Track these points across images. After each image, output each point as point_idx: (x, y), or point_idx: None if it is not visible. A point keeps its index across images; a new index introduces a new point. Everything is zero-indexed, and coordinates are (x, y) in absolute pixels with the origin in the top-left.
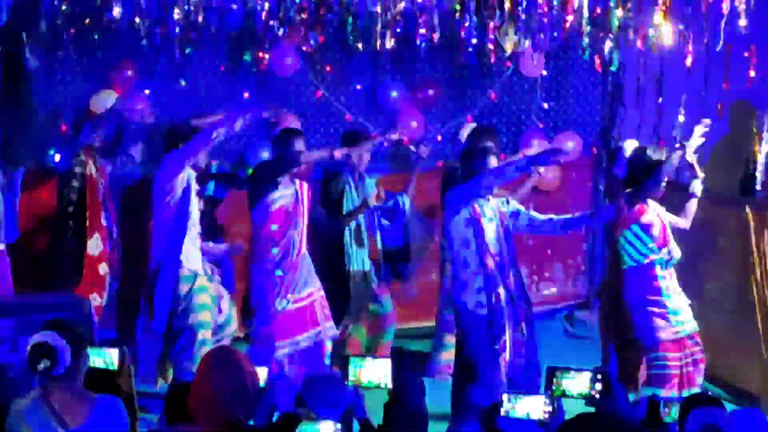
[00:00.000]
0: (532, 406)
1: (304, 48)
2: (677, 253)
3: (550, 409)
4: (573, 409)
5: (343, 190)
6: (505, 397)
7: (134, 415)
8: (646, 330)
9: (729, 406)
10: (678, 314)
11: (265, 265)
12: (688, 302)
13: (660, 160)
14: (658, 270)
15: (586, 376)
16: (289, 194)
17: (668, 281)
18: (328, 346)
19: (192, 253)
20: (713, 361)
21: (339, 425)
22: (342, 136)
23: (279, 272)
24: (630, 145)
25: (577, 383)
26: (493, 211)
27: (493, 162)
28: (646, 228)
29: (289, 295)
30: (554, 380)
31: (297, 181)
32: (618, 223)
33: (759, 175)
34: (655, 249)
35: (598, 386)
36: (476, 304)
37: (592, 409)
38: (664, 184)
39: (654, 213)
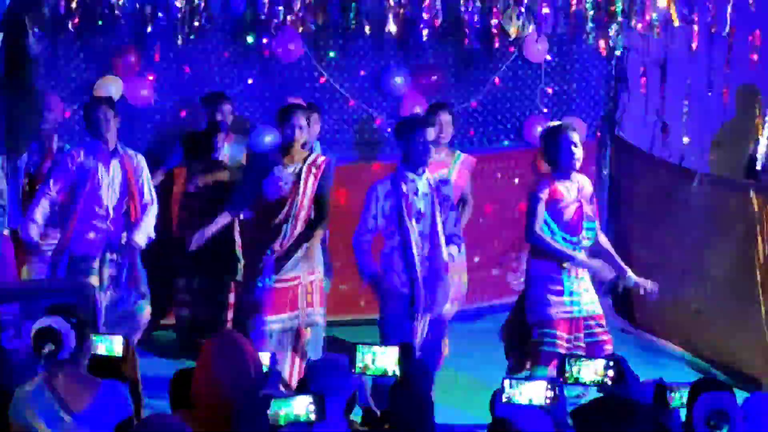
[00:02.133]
0: (535, 392)
1: (307, 33)
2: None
3: (552, 394)
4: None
5: None
6: (506, 383)
7: (139, 401)
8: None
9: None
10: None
11: (257, 247)
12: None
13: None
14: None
15: (600, 363)
16: (287, 174)
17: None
18: (307, 332)
19: None
20: (717, 345)
21: (311, 400)
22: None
23: (268, 251)
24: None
25: (591, 370)
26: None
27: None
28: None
29: (274, 275)
30: (567, 367)
31: (311, 157)
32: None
33: (763, 158)
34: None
35: (611, 373)
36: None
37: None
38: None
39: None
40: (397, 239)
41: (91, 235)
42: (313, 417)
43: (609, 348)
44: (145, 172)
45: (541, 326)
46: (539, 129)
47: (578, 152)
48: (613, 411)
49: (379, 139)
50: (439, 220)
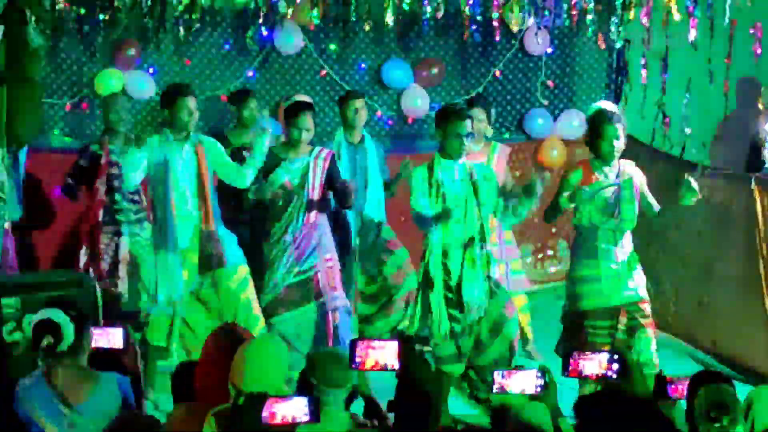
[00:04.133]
0: (525, 381)
1: (308, 26)
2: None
3: (542, 382)
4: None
5: None
6: (497, 374)
7: (140, 393)
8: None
9: (736, 384)
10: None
11: (271, 240)
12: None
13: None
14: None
15: (603, 357)
16: (294, 169)
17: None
18: (335, 316)
19: None
20: (720, 339)
21: (307, 401)
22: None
23: (283, 245)
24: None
25: (594, 364)
26: None
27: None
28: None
29: (293, 268)
30: (571, 361)
31: (316, 151)
32: None
33: (766, 151)
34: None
35: (615, 367)
36: None
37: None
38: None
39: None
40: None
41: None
42: (306, 419)
43: (651, 333)
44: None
45: (582, 317)
46: (594, 107)
47: (620, 144)
48: (613, 404)
49: (380, 132)
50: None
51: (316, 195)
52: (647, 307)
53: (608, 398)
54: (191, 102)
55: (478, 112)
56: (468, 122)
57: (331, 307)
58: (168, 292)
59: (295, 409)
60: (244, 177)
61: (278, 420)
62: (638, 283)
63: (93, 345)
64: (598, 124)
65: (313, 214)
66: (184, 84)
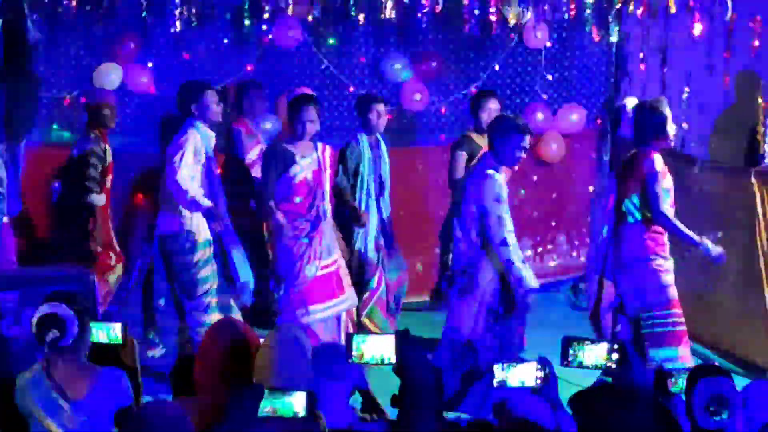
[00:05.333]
0: (526, 374)
1: (307, 20)
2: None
3: (542, 374)
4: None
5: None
6: (497, 367)
7: (138, 388)
8: (655, 287)
9: (735, 378)
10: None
11: (292, 234)
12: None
13: (665, 113)
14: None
15: (603, 346)
16: (307, 164)
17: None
18: (344, 316)
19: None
20: (720, 333)
21: (305, 395)
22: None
23: (305, 239)
24: (631, 103)
25: (594, 354)
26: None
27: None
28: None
29: (317, 261)
30: (570, 351)
31: (320, 146)
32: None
33: (765, 145)
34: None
35: (615, 356)
36: None
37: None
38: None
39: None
40: None
41: None
42: (301, 414)
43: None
44: None
45: (661, 307)
46: (632, 104)
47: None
48: (611, 397)
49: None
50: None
51: (328, 189)
52: None
53: (605, 392)
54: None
55: (494, 102)
56: (529, 136)
57: (350, 305)
58: None
59: (294, 403)
60: None
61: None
62: None
63: (92, 340)
64: (662, 115)
65: (330, 209)
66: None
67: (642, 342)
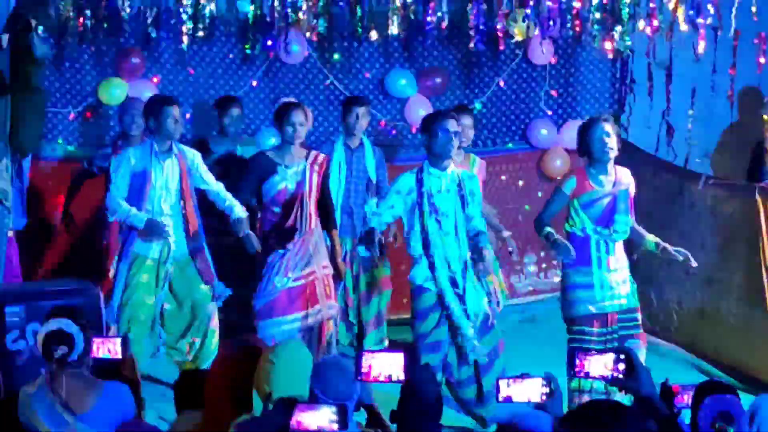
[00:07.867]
0: (531, 389)
1: (312, 36)
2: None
3: (547, 390)
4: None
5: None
6: (502, 383)
7: (140, 403)
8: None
9: (739, 393)
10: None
11: (270, 245)
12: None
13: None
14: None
15: (609, 357)
16: (290, 174)
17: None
18: (329, 325)
19: None
20: (723, 348)
21: (335, 410)
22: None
23: (281, 250)
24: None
25: (600, 364)
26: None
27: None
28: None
29: (290, 273)
30: (577, 362)
31: (312, 155)
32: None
33: None
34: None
35: (621, 367)
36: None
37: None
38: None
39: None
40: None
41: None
42: (336, 427)
43: (641, 344)
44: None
45: (574, 323)
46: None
47: (611, 142)
48: (599, 416)
49: (383, 141)
50: (460, 216)
51: (313, 201)
52: (639, 316)
53: (593, 410)
54: (176, 111)
55: (466, 118)
56: (454, 121)
57: (326, 316)
58: None
59: (323, 418)
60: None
61: (305, 428)
62: (630, 290)
63: (93, 354)
64: (587, 127)
65: (313, 220)
66: (168, 95)
67: None
